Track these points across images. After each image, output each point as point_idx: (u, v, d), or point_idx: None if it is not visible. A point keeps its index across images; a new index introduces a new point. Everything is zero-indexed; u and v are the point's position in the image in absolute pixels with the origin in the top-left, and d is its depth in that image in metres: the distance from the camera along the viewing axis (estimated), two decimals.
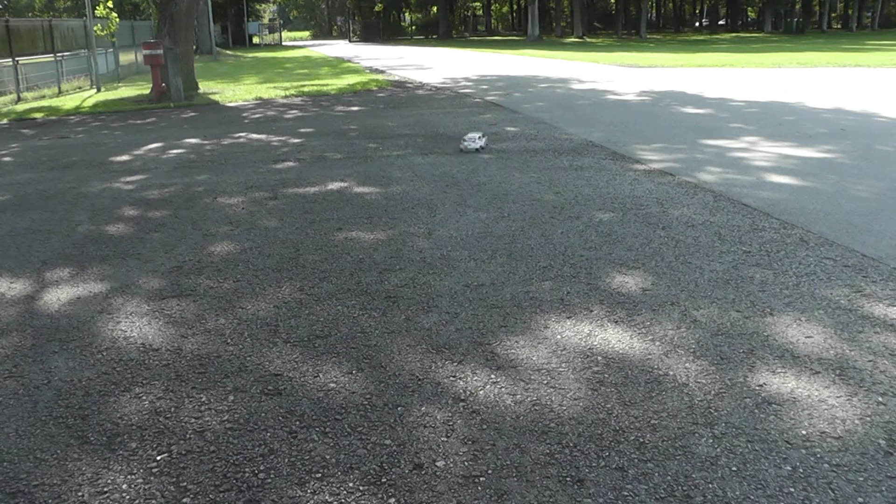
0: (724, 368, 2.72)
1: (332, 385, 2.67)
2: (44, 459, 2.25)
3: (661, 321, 3.15)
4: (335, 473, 2.15)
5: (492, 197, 5.45)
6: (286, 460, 2.22)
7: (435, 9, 66.30)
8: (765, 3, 56.78)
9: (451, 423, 2.39)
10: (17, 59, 15.46)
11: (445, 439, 2.31)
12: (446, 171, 6.48)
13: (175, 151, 8.14)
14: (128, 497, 2.06)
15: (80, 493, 2.08)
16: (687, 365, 2.75)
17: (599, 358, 2.82)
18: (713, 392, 2.55)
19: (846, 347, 2.87)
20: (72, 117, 12.25)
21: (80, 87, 17.94)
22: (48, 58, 17.06)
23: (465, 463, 2.18)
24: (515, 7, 72.94)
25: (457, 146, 7.65)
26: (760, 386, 2.58)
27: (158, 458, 2.24)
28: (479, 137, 7.51)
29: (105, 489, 2.10)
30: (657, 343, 2.94)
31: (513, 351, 2.90)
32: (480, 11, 75.46)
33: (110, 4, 16.74)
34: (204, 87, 16.35)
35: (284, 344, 3.03)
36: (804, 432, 2.29)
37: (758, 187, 5.63)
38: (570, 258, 4.01)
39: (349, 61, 28.50)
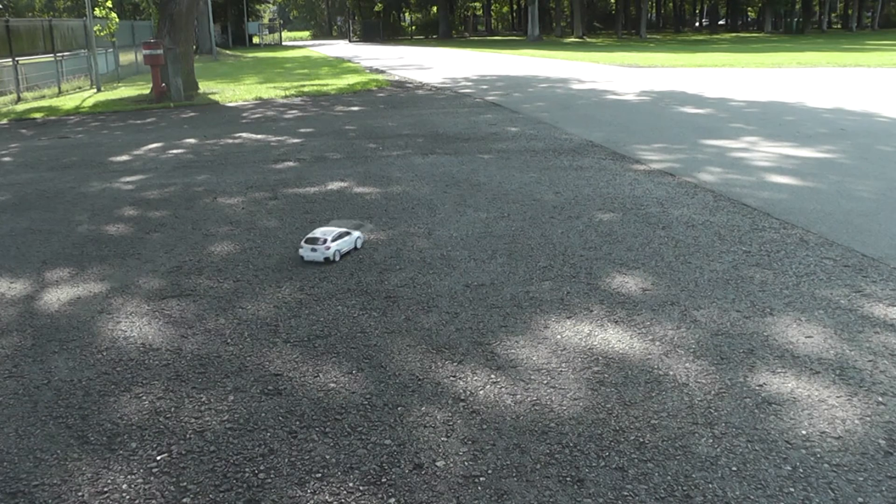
0: (724, 368, 2.71)
1: (332, 385, 2.67)
2: (44, 459, 2.25)
3: (661, 321, 3.15)
4: (335, 473, 2.15)
5: (492, 197, 5.45)
6: (286, 460, 2.22)
7: (435, 9, 66.33)
8: (765, 3, 56.78)
9: (451, 423, 2.39)
10: (17, 59, 15.46)
11: (445, 439, 2.30)
12: (446, 171, 6.48)
13: (175, 151, 8.14)
14: (128, 497, 2.06)
15: (80, 493, 2.08)
16: (687, 365, 2.75)
17: (599, 358, 2.82)
18: (713, 392, 2.54)
19: (846, 347, 2.87)
20: (71, 117, 12.25)
21: (79, 87, 17.94)
22: (48, 58, 17.05)
23: (465, 463, 2.18)
24: (515, 7, 72.94)
25: (457, 147, 7.65)
26: (760, 386, 2.58)
27: (158, 458, 2.24)
28: (334, 238, 3.97)
29: (105, 489, 2.10)
30: (657, 343, 2.94)
31: (513, 351, 2.90)
32: (480, 11, 75.48)
33: (110, 4, 16.74)
34: (204, 87, 16.35)
35: (284, 344, 3.03)
36: (804, 432, 2.29)
37: (758, 187, 5.63)
38: (570, 258, 4.01)
39: (349, 61, 28.50)
